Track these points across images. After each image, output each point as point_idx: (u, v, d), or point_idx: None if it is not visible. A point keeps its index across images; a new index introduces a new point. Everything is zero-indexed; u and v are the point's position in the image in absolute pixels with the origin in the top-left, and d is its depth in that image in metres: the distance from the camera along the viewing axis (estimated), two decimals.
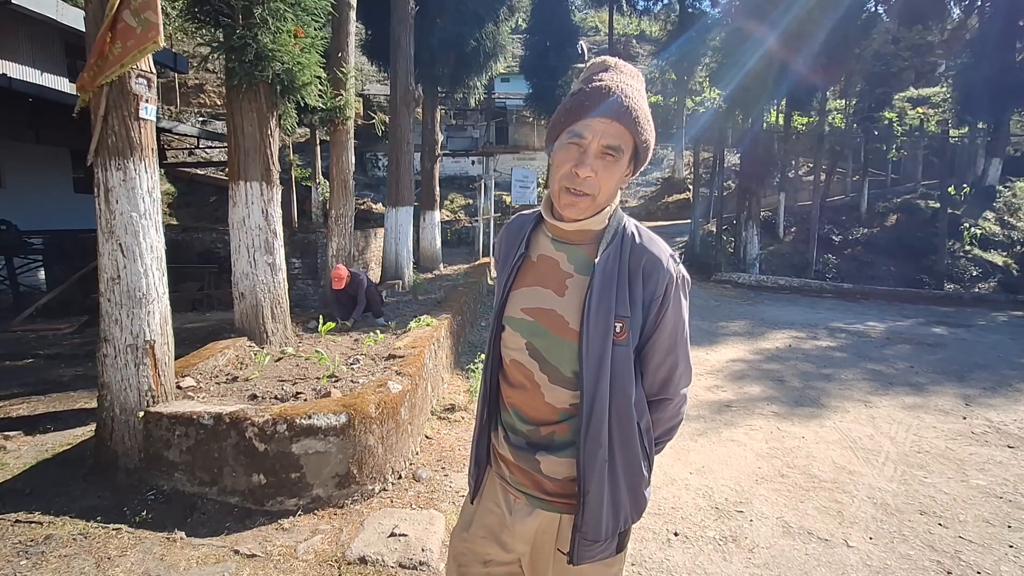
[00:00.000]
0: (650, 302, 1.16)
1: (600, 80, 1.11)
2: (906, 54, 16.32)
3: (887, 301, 10.62)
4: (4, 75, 8.80)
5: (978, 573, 2.59)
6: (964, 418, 4.58)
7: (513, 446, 1.24)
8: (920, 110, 20.39)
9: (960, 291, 12.27)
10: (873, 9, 16.02)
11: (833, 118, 18.84)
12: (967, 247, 14.77)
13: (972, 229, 15.15)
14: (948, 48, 17.80)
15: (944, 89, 20.51)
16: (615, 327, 1.12)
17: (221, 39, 4.25)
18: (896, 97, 18.23)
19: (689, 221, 15.35)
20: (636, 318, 1.15)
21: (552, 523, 1.22)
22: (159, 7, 3.10)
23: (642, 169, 1.19)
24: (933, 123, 19.48)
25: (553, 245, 1.22)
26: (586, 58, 25.94)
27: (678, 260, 1.21)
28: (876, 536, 2.86)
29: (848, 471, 3.58)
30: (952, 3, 16.41)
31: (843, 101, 18.73)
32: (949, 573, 2.58)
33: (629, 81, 1.12)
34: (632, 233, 1.18)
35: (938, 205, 14.93)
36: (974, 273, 13.89)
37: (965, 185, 17.53)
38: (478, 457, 1.36)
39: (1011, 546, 2.80)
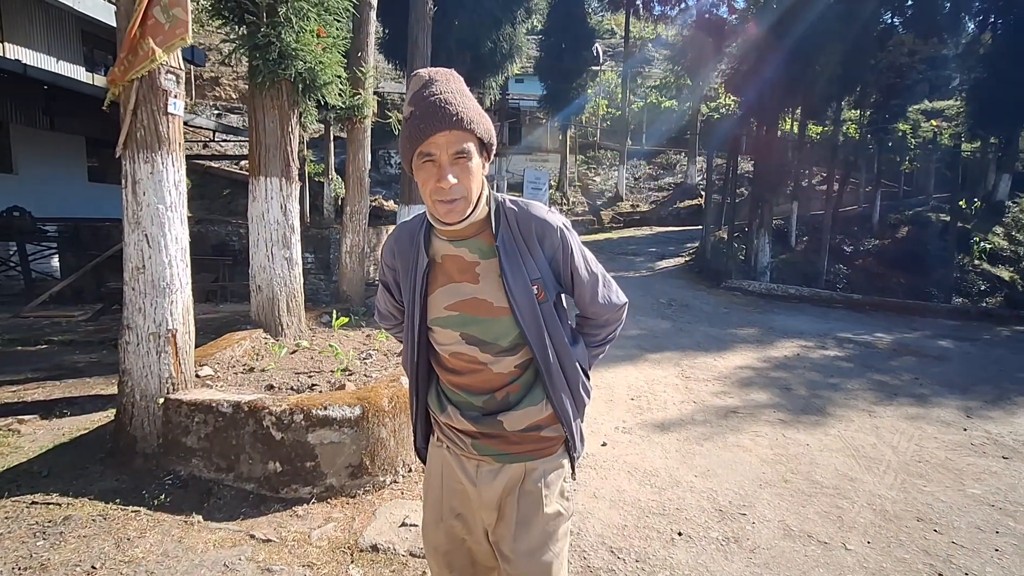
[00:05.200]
0: (553, 253, 1.32)
1: (424, 97, 1.18)
2: (921, 67, 16.24)
3: (896, 313, 10.59)
4: (19, 61, 8.94)
5: (966, 574, 2.67)
6: (965, 429, 4.61)
7: (472, 419, 1.33)
8: (934, 123, 20.29)
9: (968, 305, 12.21)
10: (889, 21, 15.98)
11: (847, 128, 18.77)
12: (976, 261, 14.69)
13: (982, 243, 15.07)
14: (963, 62, 17.70)
15: (958, 102, 20.40)
16: (533, 290, 1.27)
17: (245, 36, 4.34)
18: (910, 109, 18.13)
19: (700, 227, 15.36)
20: (547, 276, 1.31)
21: (517, 475, 1.34)
22: (188, 3, 3.19)
23: (495, 151, 1.29)
24: (946, 136, 19.38)
25: (451, 244, 1.31)
26: (601, 60, 25.99)
27: (554, 209, 1.38)
28: (874, 540, 2.91)
29: (850, 478, 3.62)
30: (967, 17, 16.28)
31: (857, 112, 18.66)
32: (940, 575, 2.65)
33: (449, 87, 1.20)
34: (510, 207, 1.31)
35: (949, 218, 14.86)
36: (982, 287, 13.83)
37: (976, 199, 17.43)
38: (417, 437, 1.52)
39: (996, 549, 2.89)
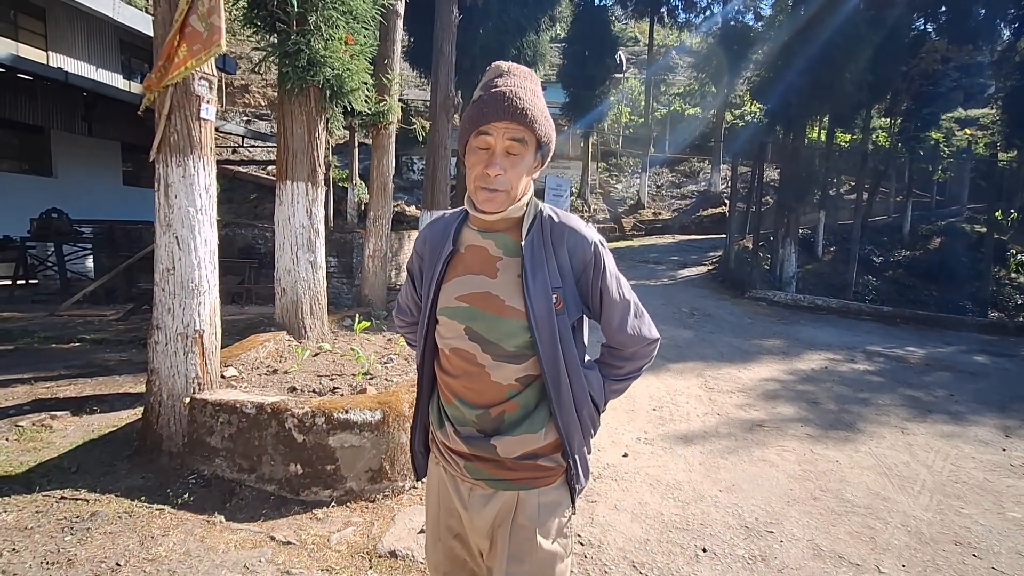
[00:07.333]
0: (583, 268, 1.27)
1: (496, 86, 1.19)
2: (955, 74, 15.85)
3: (928, 326, 10.30)
4: (61, 69, 9.27)
5: None
6: (1004, 450, 4.44)
7: (465, 438, 1.27)
8: (968, 131, 19.76)
9: (1004, 319, 11.83)
10: (922, 27, 15.63)
11: (877, 136, 18.40)
12: (1013, 274, 14.25)
13: (1018, 256, 14.61)
14: (998, 69, 17.21)
15: (994, 111, 19.86)
16: (553, 298, 1.21)
17: (276, 44, 4.41)
18: (943, 117, 17.67)
19: (724, 236, 15.17)
20: (569, 288, 1.25)
21: (510, 504, 1.26)
22: (223, 12, 3.25)
23: (548, 160, 1.28)
24: (981, 145, 18.85)
25: (480, 235, 1.29)
26: (624, 68, 25.91)
27: (591, 225, 1.32)
28: (909, 564, 2.80)
29: (883, 498, 3.51)
30: (1002, 24, 15.83)
31: (888, 119, 18.29)
32: None
33: (523, 83, 1.20)
34: (549, 215, 1.28)
35: (984, 230, 14.45)
36: (1019, 301, 13.40)
37: (1012, 210, 16.92)
38: (415, 454, 1.45)
39: None
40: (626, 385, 1.40)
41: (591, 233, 1.28)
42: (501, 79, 1.21)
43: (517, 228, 1.26)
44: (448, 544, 1.36)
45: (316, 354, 4.41)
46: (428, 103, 11.50)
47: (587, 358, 1.35)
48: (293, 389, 3.55)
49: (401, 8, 6.92)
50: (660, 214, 22.12)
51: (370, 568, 2.50)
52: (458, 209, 1.37)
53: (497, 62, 1.27)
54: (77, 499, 2.90)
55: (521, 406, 1.25)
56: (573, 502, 1.33)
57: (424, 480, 1.47)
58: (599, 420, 1.36)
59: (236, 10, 4.41)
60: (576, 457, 1.28)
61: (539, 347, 1.20)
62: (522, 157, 1.20)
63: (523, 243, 1.23)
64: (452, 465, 1.31)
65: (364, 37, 4.80)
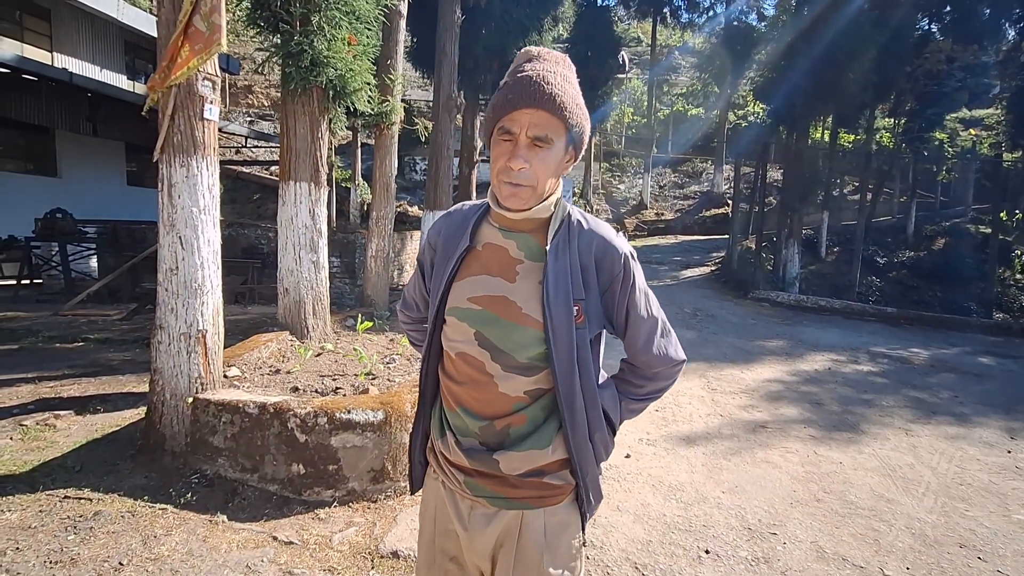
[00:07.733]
0: (609, 282, 1.17)
1: (524, 71, 1.09)
2: (959, 74, 15.81)
3: (932, 327, 10.25)
4: (66, 70, 9.31)
5: None
6: (1009, 452, 4.42)
7: (467, 450, 1.18)
8: (973, 132, 19.70)
9: (1009, 321, 11.78)
10: (927, 27, 15.59)
11: (881, 137, 18.37)
12: (1018, 275, 14.19)
13: (1023, 257, 14.56)
14: (1003, 69, 17.15)
15: (998, 111, 19.80)
16: (574, 311, 1.12)
17: (279, 44, 4.42)
18: (948, 117, 17.63)
19: (727, 236, 15.14)
20: (592, 301, 1.16)
21: (513, 524, 1.18)
22: (223, 11, 3.25)
23: (582, 153, 1.18)
24: (986, 146, 18.80)
25: (501, 234, 1.19)
26: (627, 68, 25.90)
27: (623, 236, 1.22)
28: (913, 566, 2.78)
29: (887, 499, 3.49)
30: (1007, 24, 15.78)
31: (892, 120, 18.25)
32: None
33: (552, 68, 1.10)
34: (578, 220, 1.18)
35: (989, 230, 14.39)
36: None
37: (1017, 211, 16.86)
38: (414, 464, 1.36)
39: None
40: (644, 406, 1.30)
41: (622, 244, 1.18)
42: (530, 64, 1.10)
43: (543, 230, 1.17)
44: (444, 567, 1.27)
45: (319, 354, 4.41)
46: (431, 103, 11.52)
47: (603, 375, 1.26)
48: (295, 389, 3.55)
49: (404, 8, 6.93)
50: (663, 215, 22.10)
51: (372, 568, 2.50)
52: (479, 201, 1.27)
53: (526, 48, 1.17)
54: (80, 498, 2.90)
55: (529, 420, 1.17)
56: (583, 527, 1.24)
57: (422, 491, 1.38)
58: (612, 442, 1.26)
59: (239, 11, 4.42)
60: (587, 481, 1.19)
61: (554, 361, 1.12)
62: (550, 149, 1.09)
63: (547, 248, 1.14)
64: (451, 480, 1.23)
65: (367, 38, 4.81)
